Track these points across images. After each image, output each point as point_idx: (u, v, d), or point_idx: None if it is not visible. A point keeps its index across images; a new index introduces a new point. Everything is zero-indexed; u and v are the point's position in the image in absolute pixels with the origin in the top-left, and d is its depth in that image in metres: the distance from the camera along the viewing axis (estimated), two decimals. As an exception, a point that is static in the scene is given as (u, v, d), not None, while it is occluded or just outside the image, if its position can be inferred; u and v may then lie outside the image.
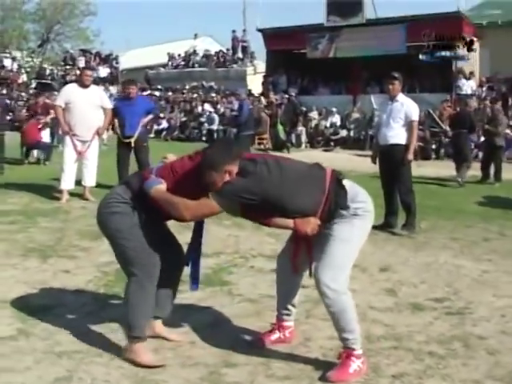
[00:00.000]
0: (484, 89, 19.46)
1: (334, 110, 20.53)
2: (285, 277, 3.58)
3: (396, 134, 6.78)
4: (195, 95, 23.88)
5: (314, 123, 21.06)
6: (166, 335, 3.70)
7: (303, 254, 3.44)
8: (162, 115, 21.80)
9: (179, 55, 28.48)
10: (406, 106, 6.81)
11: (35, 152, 13.45)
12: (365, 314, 4.17)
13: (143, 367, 3.28)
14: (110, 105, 8.87)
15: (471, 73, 19.90)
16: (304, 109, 21.35)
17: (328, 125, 20.67)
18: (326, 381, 3.17)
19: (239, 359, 3.44)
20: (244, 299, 4.52)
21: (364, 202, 3.30)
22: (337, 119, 20.48)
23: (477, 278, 5.20)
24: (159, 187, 3.20)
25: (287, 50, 22.65)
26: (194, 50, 27.90)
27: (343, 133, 20.41)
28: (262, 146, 19.71)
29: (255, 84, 25.16)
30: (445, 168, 12.85)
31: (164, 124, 21.57)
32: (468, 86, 19.42)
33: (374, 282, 5.02)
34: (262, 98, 21.69)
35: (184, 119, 22.07)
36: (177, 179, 3.24)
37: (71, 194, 8.66)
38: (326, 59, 21.78)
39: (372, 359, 3.43)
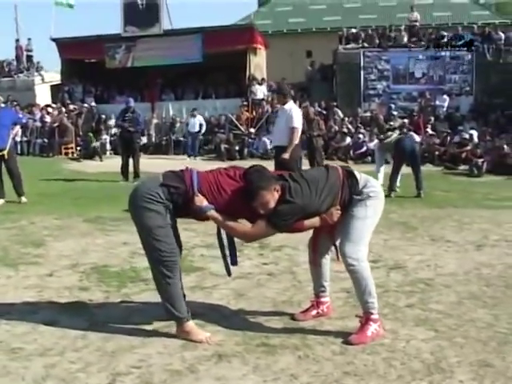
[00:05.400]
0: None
1: (134, 117, 21.15)
2: (314, 264, 4.22)
3: (280, 137, 8.06)
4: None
5: (113, 131, 21.53)
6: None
7: (323, 244, 4.11)
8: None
9: (-47, 65, 26.72)
10: (289, 114, 8.08)
11: None
12: (336, 276, 5.30)
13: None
14: None
15: (263, 79, 22.02)
16: (104, 117, 21.74)
17: (130, 132, 21.24)
18: (348, 343, 3.69)
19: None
20: (234, 277, 5.35)
21: (374, 187, 3.90)
22: (137, 126, 21.14)
23: (384, 244, 6.65)
24: (215, 213, 3.73)
25: (82, 59, 22.84)
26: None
27: (144, 139, 21.18)
28: (69, 156, 19.77)
29: (43, 94, 24.83)
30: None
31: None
32: (260, 91, 21.48)
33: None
34: (63, 107, 21.61)
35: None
36: (226, 198, 3.71)
37: None
38: (122, 69, 22.43)
39: (386, 298, 4.64)
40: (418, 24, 22.56)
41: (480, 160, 15.15)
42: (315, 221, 3.81)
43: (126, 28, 21.87)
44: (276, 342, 3.80)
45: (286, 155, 8.08)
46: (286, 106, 8.13)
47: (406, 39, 21.54)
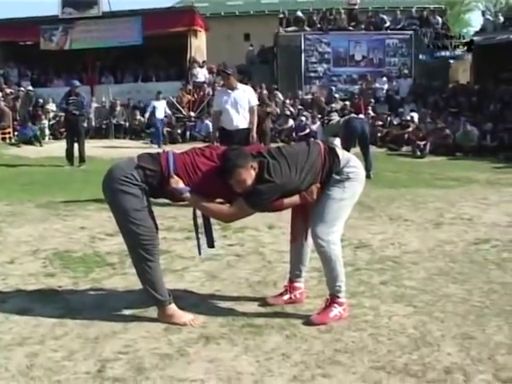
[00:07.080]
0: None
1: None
2: (294, 244, 4.13)
3: (242, 119, 7.98)
4: None
5: (52, 115, 21.03)
6: None
7: (300, 223, 3.99)
8: None
9: None
10: (248, 94, 8.02)
11: None
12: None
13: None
14: None
15: (203, 61, 21.85)
16: (41, 101, 21.17)
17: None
18: (308, 323, 3.69)
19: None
20: (203, 258, 5.29)
21: (355, 167, 3.77)
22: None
23: (345, 224, 6.70)
24: (191, 195, 3.64)
25: (17, 41, 22.12)
26: None
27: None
28: (7, 141, 19.14)
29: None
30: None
31: None
32: (201, 74, 21.31)
33: (279, 236, 6.19)
34: (-1, 91, 20.90)
35: None
36: (203, 179, 3.63)
37: None
38: (59, 51, 21.84)
39: (359, 276, 4.73)
40: (357, 7, 22.80)
41: (422, 142, 15.51)
42: (295, 199, 3.71)
43: (63, 10, 21.25)
44: (260, 322, 3.80)
45: (254, 135, 8.05)
46: (240, 86, 8.03)
47: (345, 22, 21.73)
